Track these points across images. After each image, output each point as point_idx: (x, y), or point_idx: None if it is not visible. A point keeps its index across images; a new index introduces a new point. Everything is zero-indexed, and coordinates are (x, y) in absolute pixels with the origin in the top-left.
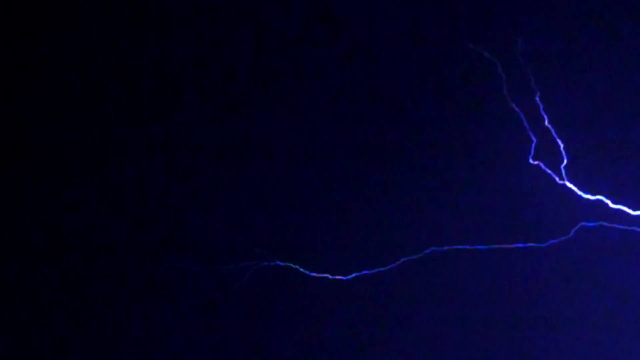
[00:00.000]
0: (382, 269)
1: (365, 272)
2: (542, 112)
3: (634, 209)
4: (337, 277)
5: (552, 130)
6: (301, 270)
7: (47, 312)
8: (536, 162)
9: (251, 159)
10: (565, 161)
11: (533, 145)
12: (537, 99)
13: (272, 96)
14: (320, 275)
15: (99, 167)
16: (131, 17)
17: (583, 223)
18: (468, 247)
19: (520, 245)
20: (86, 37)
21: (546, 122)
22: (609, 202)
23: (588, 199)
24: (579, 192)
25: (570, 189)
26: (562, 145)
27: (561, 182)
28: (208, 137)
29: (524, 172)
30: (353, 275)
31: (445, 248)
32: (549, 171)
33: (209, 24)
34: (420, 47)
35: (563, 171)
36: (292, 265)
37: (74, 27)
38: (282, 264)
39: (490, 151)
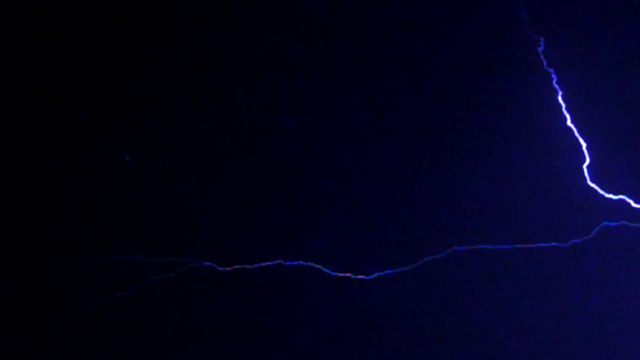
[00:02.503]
0: (404, 268)
1: (388, 271)
2: (564, 112)
3: None
4: (360, 276)
5: (575, 130)
6: (324, 269)
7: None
8: (558, 162)
9: (274, 159)
10: (587, 161)
11: (555, 145)
12: (559, 98)
13: (297, 95)
14: (343, 274)
15: (121, 166)
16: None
17: (605, 222)
18: (490, 246)
19: (542, 244)
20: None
21: (568, 122)
22: (631, 201)
23: (610, 199)
24: (601, 192)
25: (592, 188)
26: (584, 145)
27: (583, 181)
28: (233, 136)
29: (546, 172)
30: (375, 274)
31: (468, 248)
32: (571, 171)
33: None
34: (440, 46)
35: (585, 171)
36: (314, 265)
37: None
38: (304, 263)
39: (512, 151)
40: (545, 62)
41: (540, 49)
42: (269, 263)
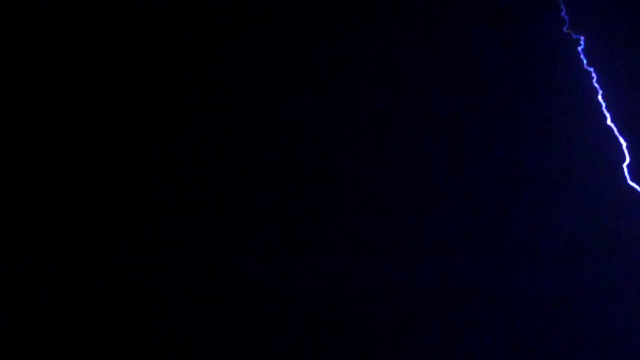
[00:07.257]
0: (447, 269)
1: (431, 271)
2: (604, 111)
3: None
4: (400, 276)
5: (615, 129)
6: (364, 268)
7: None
8: (599, 162)
9: (315, 161)
10: (627, 160)
11: (595, 144)
12: (599, 97)
13: (346, 95)
14: (383, 274)
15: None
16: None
17: None
18: (530, 247)
19: (582, 244)
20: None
21: (608, 121)
22: None
23: None
24: None
25: (632, 187)
26: (624, 144)
27: (623, 181)
28: (274, 139)
29: (587, 172)
30: (417, 274)
31: (510, 249)
32: (611, 170)
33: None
34: (480, 46)
35: (625, 170)
36: (353, 264)
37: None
38: (343, 262)
39: (552, 150)
40: (585, 61)
41: (580, 48)
42: (308, 262)
